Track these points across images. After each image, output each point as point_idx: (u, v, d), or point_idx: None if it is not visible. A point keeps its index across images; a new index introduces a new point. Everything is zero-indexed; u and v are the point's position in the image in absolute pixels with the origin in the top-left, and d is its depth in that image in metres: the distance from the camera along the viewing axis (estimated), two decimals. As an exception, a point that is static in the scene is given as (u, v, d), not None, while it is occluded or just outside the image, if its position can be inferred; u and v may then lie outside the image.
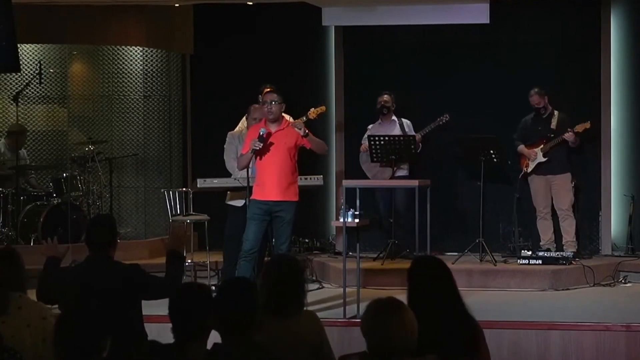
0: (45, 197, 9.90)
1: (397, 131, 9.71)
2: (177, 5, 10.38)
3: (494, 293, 8.52)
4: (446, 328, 4.23)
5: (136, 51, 10.63)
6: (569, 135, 9.43)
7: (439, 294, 4.32)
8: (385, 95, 9.83)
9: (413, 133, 9.71)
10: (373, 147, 9.42)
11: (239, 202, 8.41)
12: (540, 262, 9.05)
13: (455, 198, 10.44)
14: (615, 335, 6.72)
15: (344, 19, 10.03)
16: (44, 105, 10.57)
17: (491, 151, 9.59)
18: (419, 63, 10.50)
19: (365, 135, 9.78)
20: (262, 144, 7.45)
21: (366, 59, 10.63)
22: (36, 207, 9.72)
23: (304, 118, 8.70)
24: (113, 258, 5.31)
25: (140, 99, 10.65)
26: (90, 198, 10.04)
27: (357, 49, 10.66)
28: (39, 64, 10.07)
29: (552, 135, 9.58)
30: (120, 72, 10.59)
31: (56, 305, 5.41)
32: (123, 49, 10.61)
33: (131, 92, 10.63)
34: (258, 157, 7.56)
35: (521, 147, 9.77)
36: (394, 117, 9.84)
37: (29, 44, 10.26)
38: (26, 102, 10.34)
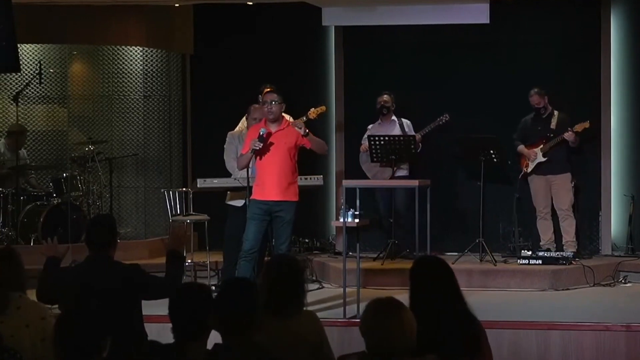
0: (45, 197, 9.90)
1: (397, 131, 9.71)
2: (177, 5, 10.38)
3: (494, 293, 8.52)
4: (448, 328, 4.23)
5: (136, 51, 10.63)
6: (569, 135, 9.43)
7: (441, 293, 4.32)
8: (385, 95, 9.84)
9: (413, 133, 9.71)
10: (373, 147, 9.42)
11: (239, 202, 8.41)
12: (540, 262, 9.05)
13: (455, 198, 10.44)
14: (615, 335, 6.72)
15: (344, 19, 10.03)
16: (44, 105, 10.57)
17: (491, 151, 9.59)
18: (419, 63, 10.50)
19: (365, 135, 9.78)
20: (262, 144, 7.45)
21: (366, 59, 10.63)
22: (36, 207, 9.72)
23: (304, 118, 8.70)
24: (113, 258, 5.31)
25: (140, 99, 10.65)
26: (90, 198, 10.04)
27: (357, 49, 10.66)
28: (39, 64, 10.08)
29: (552, 135, 9.58)
30: (120, 72, 10.59)
31: (56, 305, 5.42)
32: (123, 49, 10.61)
33: (131, 92, 10.63)
34: (258, 157, 7.56)
35: (521, 147, 9.77)
36: (393, 117, 9.84)
37: (29, 44, 10.26)
38: (26, 102, 10.34)
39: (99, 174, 10.16)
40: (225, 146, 8.62)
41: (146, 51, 10.65)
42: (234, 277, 7.01)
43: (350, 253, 7.86)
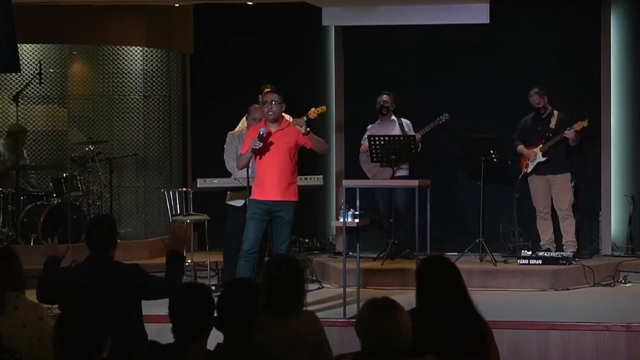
0: (45, 197, 9.90)
1: (396, 131, 9.71)
2: (177, 5, 10.38)
3: (494, 293, 8.51)
4: (455, 328, 4.22)
5: (136, 51, 10.63)
6: (569, 133, 9.43)
7: (447, 293, 4.31)
8: (385, 95, 9.84)
9: (413, 133, 9.71)
10: (373, 147, 9.42)
11: (239, 202, 8.42)
12: (540, 262, 9.05)
13: (455, 198, 10.44)
14: (615, 335, 6.71)
15: (344, 19, 10.03)
16: (44, 105, 10.57)
17: (491, 151, 9.59)
18: (419, 63, 10.50)
19: (365, 136, 9.78)
20: (262, 143, 7.45)
21: (366, 59, 10.63)
22: (36, 207, 9.72)
23: (305, 118, 8.70)
24: (113, 258, 5.31)
25: (140, 99, 10.66)
26: (90, 198, 10.04)
27: (357, 49, 10.66)
28: (39, 64, 10.08)
29: (551, 135, 9.58)
30: (120, 72, 10.59)
31: (56, 305, 5.42)
32: (123, 49, 10.61)
33: (131, 92, 10.63)
34: (258, 157, 7.56)
35: (520, 147, 9.77)
36: (393, 117, 9.84)
37: (29, 44, 10.26)
38: (26, 102, 10.34)
39: (99, 174, 10.16)
40: (225, 146, 8.62)
41: (146, 51, 10.65)
42: (235, 278, 7.02)
43: (350, 253, 7.86)
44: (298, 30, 10.74)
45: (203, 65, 11.08)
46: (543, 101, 9.61)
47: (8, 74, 10.04)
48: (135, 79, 10.62)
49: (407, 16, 9.77)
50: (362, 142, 9.89)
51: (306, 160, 8.28)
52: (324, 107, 9.18)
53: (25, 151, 10.25)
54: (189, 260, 8.82)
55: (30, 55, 10.30)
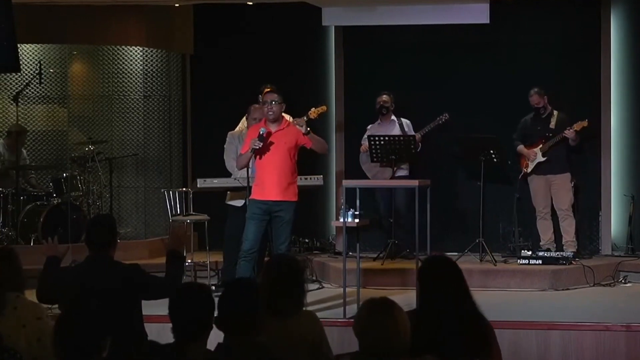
0: (45, 197, 9.90)
1: (396, 131, 9.71)
2: (177, 5, 10.38)
3: (494, 293, 8.51)
4: (456, 328, 4.22)
5: (136, 51, 10.63)
6: (569, 133, 9.43)
7: (448, 293, 4.30)
8: (384, 95, 9.84)
9: (413, 133, 9.71)
10: (373, 147, 9.42)
11: (239, 202, 8.42)
12: (540, 262, 9.05)
13: (455, 198, 10.45)
14: (615, 335, 6.71)
15: (344, 19, 10.03)
16: (44, 105, 10.57)
17: (491, 151, 9.59)
18: (419, 63, 10.50)
19: (365, 136, 9.78)
20: (261, 143, 7.45)
21: (366, 59, 10.63)
22: (36, 207, 9.72)
23: (305, 118, 8.70)
24: (113, 258, 5.31)
25: (140, 99, 10.66)
26: (90, 198, 10.04)
27: (357, 49, 10.66)
28: (39, 64, 10.07)
29: (551, 135, 9.58)
30: (120, 72, 10.59)
31: (56, 305, 5.42)
32: (123, 49, 10.61)
33: (131, 92, 10.63)
34: (258, 157, 7.56)
35: (520, 147, 9.77)
36: (393, 117, 9.84)
37: (29, 44, 10.26)
38: (26, 102, 10.34)
39: (99, 174, 10.16)
40: (225, 146, 8.62)
41: (146, 51, 10.65)
42: (236, 278, 7.02)
43: (350, 253, 7.86)
44: (298, 30, 10.74)
45: (203, 65, 11.08)
46: (543, 101, 9.61)
47: (8, 74, 10.04)
48: (135, 79, 10.62)
49: (407, 16, 9.77)
50: (362, 142, 9.89)
51: (306, 160, 8.28)
52: (324, 107, 9.18)
53: (25, 151, 10.25)
54: (189, 260, 8.82)
55: (30, 55, 10.30)
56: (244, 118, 8.77)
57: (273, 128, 7.58)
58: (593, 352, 6.72)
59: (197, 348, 3.92)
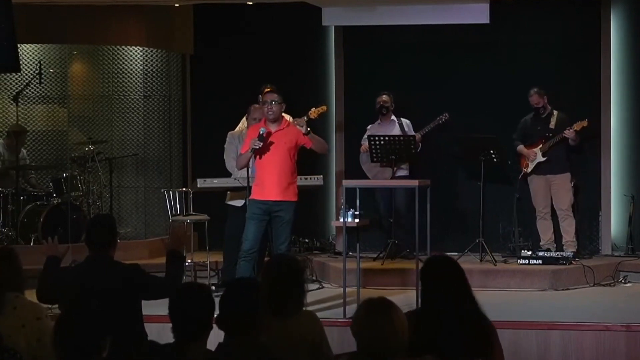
0: (45, 197, 9.90)
1: (396, 131, 9.71)
2: (177, 5, 10.38)
3: (494, 293, 8.51)
4: (456, 328, 4.22)
5: (136, 51, 10.63)
6: (569, 132, 9.43)
7: (449, 293, 4.30)
8: (384, 96, 9.84)
9: (413, 133, 9.71)
10: (373, 147, 9.42)
11: (239, 202, 8.42)
12: (540, 262, 9.05)
13: (455, 198, 10.45)
14: (615, 335, 6.71)
15: (344, 19, 10.03)
16: (44, 105, 10.57)
17: (491, 151, 9.59)
18: (419, 63, 10.50)
19: (365, 136, 9.78)
20: (261, 143, 7.45)
21: (366, 59, 10.63)
22: (36, 207, 9.72)
23: (305, 118, 8.70)
24: (113, 258, 5.31)
25: (140, 99, 10.66)
26: (90, 198, 10.04)
27: (357, 49, 10.66)
28: (39, 64, 10.08)
29: (551, 135, 9.58)
30: (120, 72, 10.59)
31: (56, 305, 5.42)
32: (123, 49, 10.61)
33: (131, 92, 10.63)
34: (258, 157, 7.56)
35: (520, 147, 9.77)
36: (393, 117, 9.84)
37: (29, 44, 10.26)
38: (26, 102, 10.34)
39: (99, 174, 10.16)
40: (225, 146, 8.62)
41: (146, 51, 10.65)
42: (238, 277, 7.02)
43: (350, 253, 7.86)
44: (298, 30, 10.74)
45: (203, 65, 11.08)
46: (542, 101, 9.61)
47: (8, 74, 10.04)
48: (135, 79, 10.62)
49: (407, 16, 9.77)
50: (362, 142, 9.89)
51: (306, 160, 8.28)
52: (324, 107, 9.18)
53: (25, 151, 10.25)
54: (189, 260, 8.81)
55: (30, 55, 10.30)
56: (244, 118, 8.77)
57: (273, 128, 7.58)
58: (593, 352, 6.72)
59: (197, 348, 3.92)
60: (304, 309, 4.70)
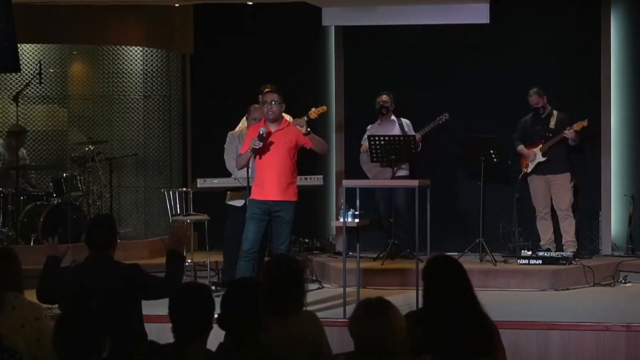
0: (45, 197, 9.90)
1: (396, 131, 9.71)
2: (177, 5, 10.38)
3: (494, 293, 8.50)
4: (457, 328, 4.22)
5: (136, 51, 10.63)
6: (569, 132, 9.43)
7: (450, 293, 4.30)
8: (384, 96, 9.84)
9: (413, 133, 9.71)
10: (373, 147, 9.42)
11: (239, 202, 8.42)
12: (540, 262, 9.05)
13: (455, 198, 10.45)
14: (615, 335, 6.71)
15: (344, 19, 10.03)
16: (44, 105, 10.57)
17: (491, 151, 9.59)
18: (419, 63, 10.50)
19: (365, 136, 9.78)
20: (261, 143, 7.45)
21: (366, 59, 10.63)
22: (36, 207, 9.72)
23: (305, 118, 8.70)
24: (113, 258, 5.31)
25: (140, 99, 10.66)
26: (90, 198, 10.04)
27: (357, 49, 10.67)
28: (39, 64, 10.08)
29: (551, 135, 9.58)
30: (120, 72, 10.59)
31: (56, 305, 5.42)
32: (123, 49, 10.61)
33: (131, 92, 10.63)
34: (258, 157, 7.56)
35: (520, 147, 9.77)
36: (393, 117, 9.85)
37: (29, 44, 10.26)
38: (26, 102, 10.34)
39: (99, 174, 10.16)
40: (225, 146, 8.62)
41: (146, 51, 10.65)
42: (239, 277, 7.02)
43: (350, 253, 7.86)
44: (298, 30, 10.74)
45: (203, 65, 11.08)
46: (542, 101, 9.61)
47: (8, 74, 10.04)
48: (135, 79, 10.62)
49: (407, 16, 9.77)
50: (362, 142, 9.89)
51: (306, 160, 8.28)
52: (324, 107, 9.18)
53: (25, 151, 10.25)
54: (189, 260, 8.81)
55: (30, 55, 10.30)
56: (244, 118, 8.77)
57: (273, 128, 7.58)
58: (593, 352, 6.72)
59: (197, 348, 3.92)
60: (304, 309, 4.70)
